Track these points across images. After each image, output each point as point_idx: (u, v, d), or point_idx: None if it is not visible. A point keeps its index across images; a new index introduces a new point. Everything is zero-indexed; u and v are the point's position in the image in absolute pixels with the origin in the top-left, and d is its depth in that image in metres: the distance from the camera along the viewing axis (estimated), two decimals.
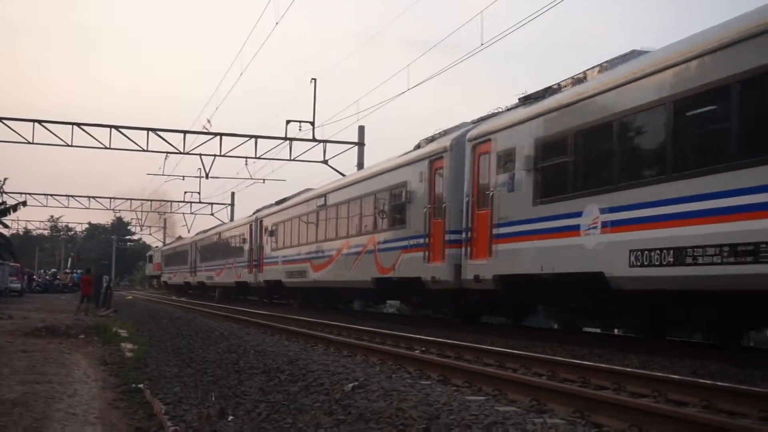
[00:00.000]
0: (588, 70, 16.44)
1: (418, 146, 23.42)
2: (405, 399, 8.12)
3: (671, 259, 12.54)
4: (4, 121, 36.31)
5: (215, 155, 40.17)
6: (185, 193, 67.11)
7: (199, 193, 65.29)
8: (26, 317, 28.82)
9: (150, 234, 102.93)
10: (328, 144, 38.46)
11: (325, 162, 38.58)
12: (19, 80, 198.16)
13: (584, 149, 15.20)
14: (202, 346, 15.66)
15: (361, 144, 38.84)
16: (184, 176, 57.74)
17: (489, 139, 18.60)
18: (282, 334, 18.91)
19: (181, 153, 39.53)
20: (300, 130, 37.70)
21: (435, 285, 20.85)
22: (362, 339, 17.06)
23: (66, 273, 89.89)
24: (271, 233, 38.81)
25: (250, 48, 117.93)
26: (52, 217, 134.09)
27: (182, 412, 8.44)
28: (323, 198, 31.04)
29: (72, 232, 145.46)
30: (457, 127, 21.50)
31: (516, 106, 18.63)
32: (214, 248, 53.39)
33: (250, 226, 43.45)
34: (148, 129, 38.03)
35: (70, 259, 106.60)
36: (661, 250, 12.77)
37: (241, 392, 9.57)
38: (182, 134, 38.93)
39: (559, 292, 16.75)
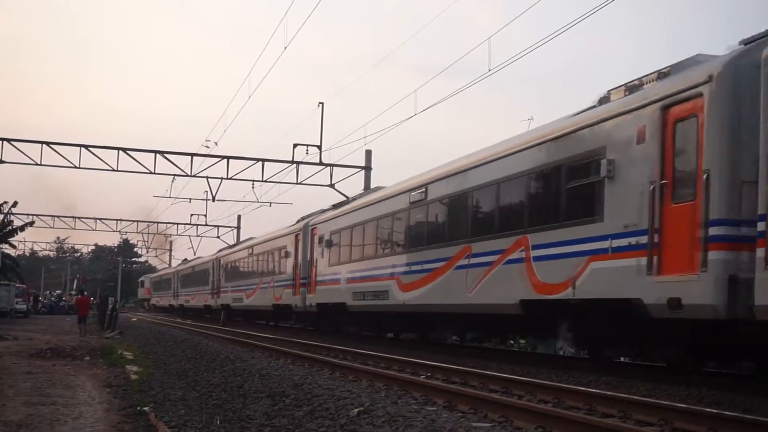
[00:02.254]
0: (364, 191, 32.52)
1: (297, 222, 36.53)
2: (411, 425, 8.11)
3: (361, 297, 26.28)
4: (13, 142, 36.48)
5: (222, 178, 40.27)
6: (192, 215, 67.32)
7: (205, 215, 65.51)
8: (31, 338, 28.85)
9: (156, 256, 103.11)
10: (335, 168, 38.59)
11: (332, 186, 38.68)
12: (25, 102, 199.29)
13: (342, 240, 28.87)
14: (207, 369, 15.65)
15: (368, 168, 38.90)
16: (190, 199, 58.03)
17: (316, 227, 32.45)
18: (287, 357, 18.88)
19: (188, 176, 39.66)
20: (307, 153, 37.86)
21: (296, 309, 34.45)
22: (367, 364, 17.02)
23: (71, 294, 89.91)
24: (224, 269, 51.32)
25: (258, 71, 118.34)
26: (58, 238, 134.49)
27: None
28: (251, 248, 44.81)
29: (78, 254, 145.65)
30: (313, 214, 35.27)
31: (330, 209, 33.14)
32: (190, 277, 65.02)
33: (212, 262, 55.39)
34: (155, 151, 38.20)
35: (75, 281, 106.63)
36: (359, 293, 26.47)
37: (246, 416, 9.56)
38: (189, 157, 39.08)
39: (333, 312, 29.85)
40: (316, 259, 31.44)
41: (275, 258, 38.22)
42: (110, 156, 37.59)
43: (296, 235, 34.80)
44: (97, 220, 69.98)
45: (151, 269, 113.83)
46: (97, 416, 10.63)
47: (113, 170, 37.55)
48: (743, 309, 11.42)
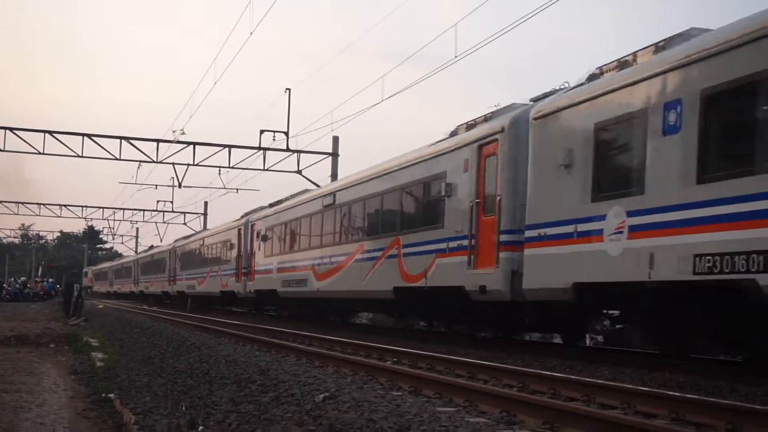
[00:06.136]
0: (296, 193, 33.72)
1: (240, 218, 41.79)
2: (376, 410, 8.14)
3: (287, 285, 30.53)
4: None
5: (188, 164, 40.03)
6: (158, 202, 66.83)
7: (171, 202, 65.05)
8: None
9: (122, 243, 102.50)
10: (302, 154, 38.48)
11: (299, 172, 38.56)
12: None
13: (275, 235, 32.95)
14: (173, 355, 15.59)
15: (335, 154, 38.86)
16: (156, 185, 57.46)
17: (255, 223, 35.72)
18: (254, 344, 18.84)
19: (154, 162, 39.40)
20: (274, 140, 37.70)
21: (239, 295, 38.48)
22: (334, 349, 17.04)
23: (36, 281, 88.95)
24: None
25: (224, 57, 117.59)
26: (23, 225, 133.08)
27: (152, 422, 8.42)
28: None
29: (43, 241, 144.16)
30: (253, 210, 38.54)
31: (268, 207, 36.17)
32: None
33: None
34: (120, 137, 37.85)
35: (41, 268, 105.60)
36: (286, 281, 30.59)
37: (212, 402, 9.54)
38: (155, 143, 38.78)
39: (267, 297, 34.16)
40: (255, 251, 34.84)
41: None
42: (75, 142, 37.27)
43: (239, 229, 38.04)
44: (63, 207, 69.32)
45: (118, 256, 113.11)
46: (62, 403, 10.57)
47: (78, 156, 37.23)
48: (519, 293, 15.59)
